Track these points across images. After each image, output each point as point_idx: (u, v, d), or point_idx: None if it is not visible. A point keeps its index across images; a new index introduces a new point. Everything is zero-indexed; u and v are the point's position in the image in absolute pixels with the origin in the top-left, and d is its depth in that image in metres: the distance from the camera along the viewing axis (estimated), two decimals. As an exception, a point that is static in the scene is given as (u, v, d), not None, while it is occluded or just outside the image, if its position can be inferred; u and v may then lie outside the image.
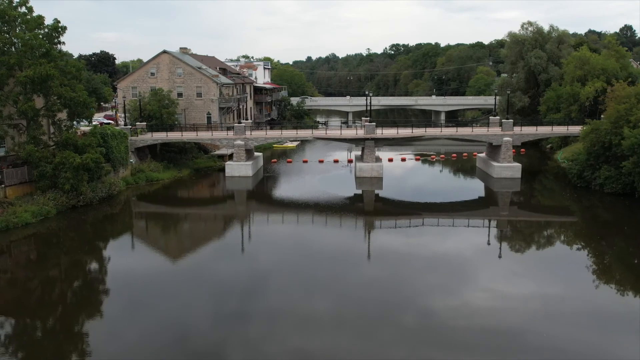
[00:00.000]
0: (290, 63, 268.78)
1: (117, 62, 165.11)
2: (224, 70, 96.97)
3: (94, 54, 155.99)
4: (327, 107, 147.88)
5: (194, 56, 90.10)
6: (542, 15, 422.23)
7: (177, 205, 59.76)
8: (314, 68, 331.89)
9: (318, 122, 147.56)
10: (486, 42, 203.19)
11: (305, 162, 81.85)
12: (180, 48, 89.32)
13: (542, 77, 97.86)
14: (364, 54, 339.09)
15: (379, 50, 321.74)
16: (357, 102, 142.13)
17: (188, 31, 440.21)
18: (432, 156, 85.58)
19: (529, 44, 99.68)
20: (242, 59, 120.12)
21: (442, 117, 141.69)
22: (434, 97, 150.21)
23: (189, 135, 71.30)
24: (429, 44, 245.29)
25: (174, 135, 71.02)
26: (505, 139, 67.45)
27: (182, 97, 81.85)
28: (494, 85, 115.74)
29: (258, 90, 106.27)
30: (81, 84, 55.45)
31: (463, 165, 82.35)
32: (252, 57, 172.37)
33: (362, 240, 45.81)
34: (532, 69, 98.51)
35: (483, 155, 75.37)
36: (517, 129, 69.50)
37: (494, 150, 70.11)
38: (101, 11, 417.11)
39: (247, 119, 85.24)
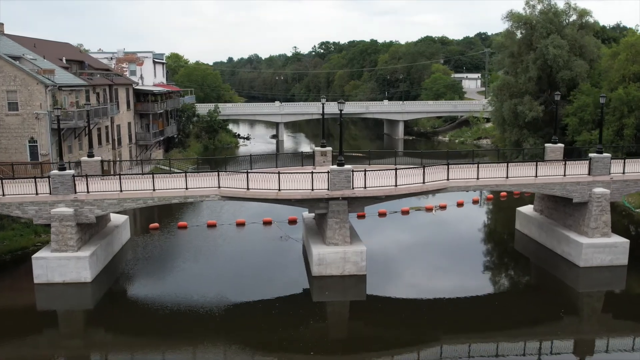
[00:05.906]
0: (211, 64, 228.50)
1: None
2: (80, 64, 59.58)
3: None
4: (250, 116, 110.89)
5: (17, 38, 52.04)
6: (459, 20, 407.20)
7: None
8: (236, 68, 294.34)
9: (239, 137, 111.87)
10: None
11: (211, 226, 45.96)
12: (-10, 23, 51.31)
13: (564, 75, 66.83)
14: (289, 55, 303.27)
15: (305, 51, 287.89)
16: (290, 110, 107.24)
17: (103, 32, 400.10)
18: (429, 206, 51.43)
19: (542, 28, 68.69)
20: (122, 52, 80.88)
21: (400, 128, 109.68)
22: (386, 102, 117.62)
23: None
24: (363, 42, 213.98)
25: None
26: (598, 190, 34.91)
27: (-20, 110, 44.32)
28: (491, 87, 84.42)
29: (143, 96, 69.23)
30: None
31: (477, 220, 49.58)
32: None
33: None
34: (548, 63, 67.50)
35: (531, 211, 42.35)
36: (613, 169, 36.53)
37: (565, 208, 37.49)
38: (12, 10, 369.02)
39: (111, 144, 48.47)
